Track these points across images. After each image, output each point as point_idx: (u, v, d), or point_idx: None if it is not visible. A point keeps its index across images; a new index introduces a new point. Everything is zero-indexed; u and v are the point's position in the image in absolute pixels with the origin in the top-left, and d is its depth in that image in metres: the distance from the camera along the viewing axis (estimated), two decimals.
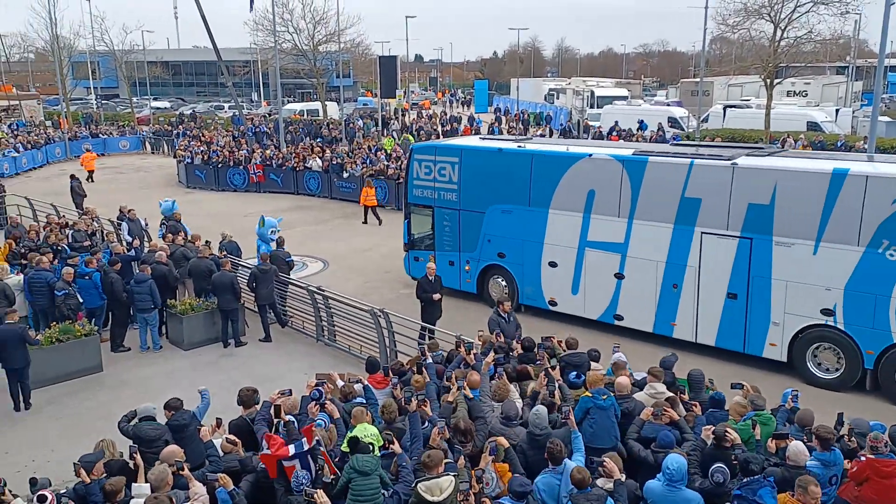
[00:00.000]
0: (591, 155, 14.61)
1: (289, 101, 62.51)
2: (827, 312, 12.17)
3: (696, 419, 8.11)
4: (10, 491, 6.90)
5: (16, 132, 44.44)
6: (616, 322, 14.60)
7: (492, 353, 9.52)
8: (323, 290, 14.48)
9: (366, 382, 9.17)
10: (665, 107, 47.17)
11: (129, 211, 19.50)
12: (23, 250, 16.30)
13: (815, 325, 12.35)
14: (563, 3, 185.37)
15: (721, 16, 34.87)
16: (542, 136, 39.72)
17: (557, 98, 59.35)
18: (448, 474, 6.62)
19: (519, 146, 16.07)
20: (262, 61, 57.53)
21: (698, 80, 42.59)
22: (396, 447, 7.15)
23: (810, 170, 12.40)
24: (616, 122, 40.22)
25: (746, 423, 7.85)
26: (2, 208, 24.83)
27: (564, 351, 10.07)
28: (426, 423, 7.68)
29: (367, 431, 7.55)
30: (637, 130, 37.82)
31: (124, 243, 16.99)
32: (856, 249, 11.71)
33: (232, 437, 7.78)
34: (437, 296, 13.93)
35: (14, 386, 11.70)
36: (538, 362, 9.60)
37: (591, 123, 43.49)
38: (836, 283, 11.97)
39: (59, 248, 16.38)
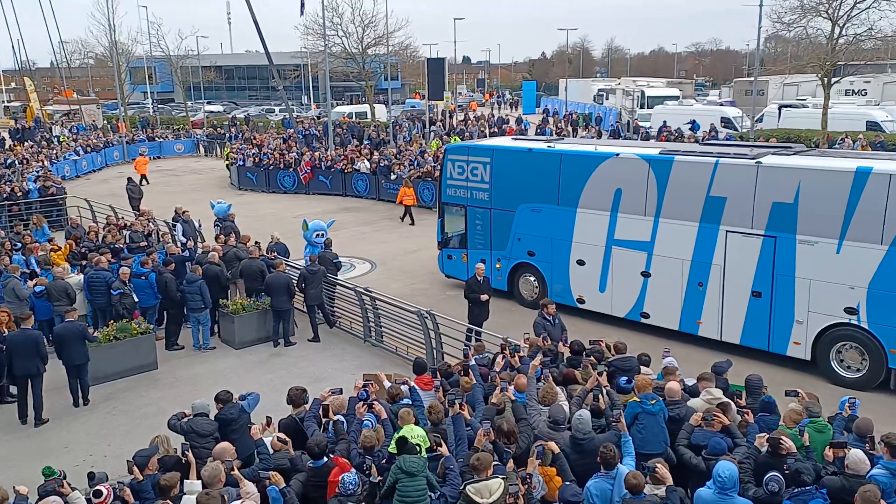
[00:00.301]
0: (618, 154, 14.83)
1: (338, 104, 63.24)
2: (850, 311, 12.12)
3: (749, 426, 7.94)
4: (69, 484, 7.12)
5: (76, 136, 45.91)
6: (642, 320, 14.69)
7: (539, 357, 9.47)
8: (370, 292, 14.60)
9: (412, 383, 9.21)
10: (718, 107, 46.27)
11: (184, 212, 19.99)
12: (83, 250, 16.85)
13: (839, 323, 12.31)
14: (613, 3, 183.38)
15: (776, 13, 34.09)
16: (592, 137, 39.30)
17: (607, 99, 58.71)
18: (497, 477, 6.61)
19: (549, 146, 16.35)
20: (312, 65, 58.28)
21: (752, 79, 41.63)
22: (444, 450, 7.17)
23: (834, 168, 12.42)
24: (664, 123, 39.60)
25: (795, 430, 7.66)
26: (63, 210, 25.71)
27: (612, 355, 9.95)
28: (469, 426, 7.69)
29: (413, 433, 7.56)
30: (689, 131, 37.19)
31: (178, 244, 17.41)
32: (879, 248, 11.65)
33: (282, 435, 7.90)
34: (485, 296, 13.94)
35: (73, 382, 12.06)
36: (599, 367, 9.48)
37: (641, 124, 42.93)
38: (860, 282, 11.91)
39: (117, 248, 16.87)
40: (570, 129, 47.81)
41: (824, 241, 12.16)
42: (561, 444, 7.45)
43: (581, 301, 15.60)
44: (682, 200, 13.76)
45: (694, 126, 38.11)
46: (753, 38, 35.36)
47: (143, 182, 33.49)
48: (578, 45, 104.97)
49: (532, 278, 16.46)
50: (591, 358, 9.67)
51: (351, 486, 6.66)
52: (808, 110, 38.48)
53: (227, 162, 36.34)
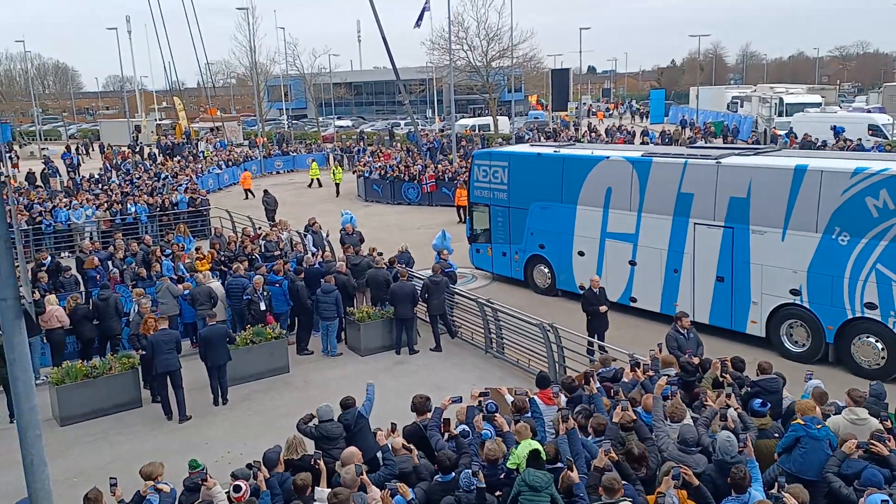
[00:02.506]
0: (608, 157, 16.81)
1: (461, 117, 64.04)
2: (794, 292, 13.74)
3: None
4: (210, 476, 7.59)
5: (218, 151, 48.95)
6: (631, 304, 16.45)
7: (664, 377, 9.18)
8: (492, 303, 14.67)
9: (532, 395, 9.14)
10: (865, 113, 43.16)
11: (314, 223, 20.86)
12: (222, 258, 17.95)
13: (787, 303, 13.89)
14: (749, 5, 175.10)
15: None
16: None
17: (741, 106, 56.02)
18: (627, 499, 6.46)
19: (555, 151, 18.45)
20: (437, 79, 59.41)
21: None
22: (575, 475, 6.97)
23: (776, 166, 14.14)
24: (790, 129, 37.66)
25: None
26: (206, 220, 27.51)
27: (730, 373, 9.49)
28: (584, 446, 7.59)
29: (532, 447, 7.50)
30: (834, 138, 34.95)
31: (310, 254, 18.18)
32: (815, 236, 13.26)
33: (404, 441, 8.07)
34: (603, 307, 13.92)
35: (214, 382, 12.85)
36: (726, 388, 9.09)
37: (779, 133, 40.75)
38: (801, 266, 13.52)
39: (253, 256, 17.84)
40: (707, 140, 45.53)
41: (771, 230, 13.83)
42: (693, 466, 7.18)
43: (582, 288, 17.00)
44: (659, 196, 15.59)
45: (836, 130, 35.85)
46: None
47: (247, 197, 35.00)
48: (711, 52, 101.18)
49: (545, 268, 18.54)
50: (727, 377, 9.24)
51: (475, 480, 6.74)
52: None
53: (336, 180, 36.63)
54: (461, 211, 27.26)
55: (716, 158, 14.93)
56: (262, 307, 14.71)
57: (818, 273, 13.31)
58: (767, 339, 14.25)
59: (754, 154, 15.75)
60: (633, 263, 16.22)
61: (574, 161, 17.47)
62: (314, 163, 40.80)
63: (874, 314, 12.77)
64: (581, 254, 17.34)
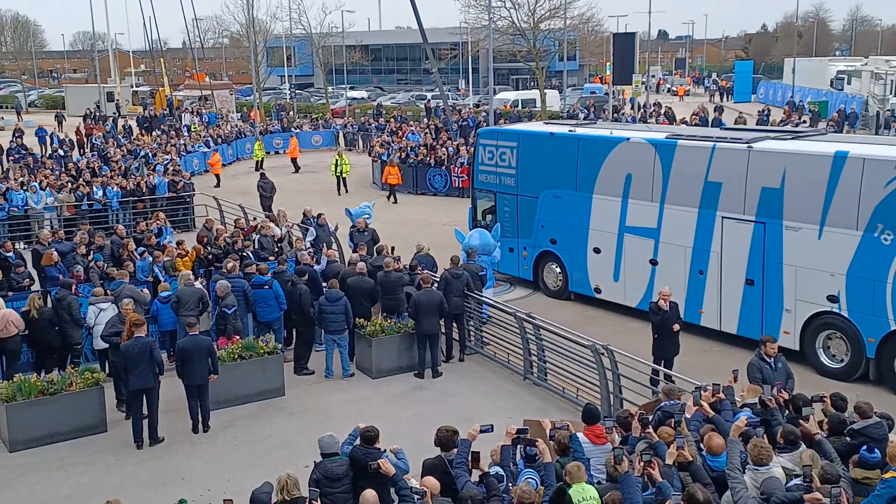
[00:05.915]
0: (629, 139, 17.26)
1: (502, 90, 63.94)
2: (832, 299, 14.06)
3: None
4: None
5: (207, 126, 49.09)
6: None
7: (743, 417, 9.06)
8: (533, 318, 14.65)
9: (574, 430, 9.10)
10: None
11: (319, 216, 20.78)
12: (209, 256, 17.94)
13: (823, 312, 14.25)
14: None
15: None
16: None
17: (848, 83, 55.40)
18: None
19: (569, 130, 19.12)
20: (473, 43, 59.36)
21: None
22: None
23: (813, 152, 14.63)
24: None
25: None
26: (190, 209, 27.54)
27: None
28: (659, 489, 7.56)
29: (585, 493, 7.49)
30: None
31: (306, 252, 18.00)
32: (855, 234, 13.62)
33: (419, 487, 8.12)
34: (676, 326, 13.80)
35: (193, 403, 12.82)
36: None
37: None
38: (839, 269, 13.86)
39: (245, 254, 17.84)
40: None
41: (807, 226, 14.27)
42: None
43: (598, 290, 18.21)
44: (683, 185, 16.10)
45: None
46: None
47: (216, 186, 34.61)
48: (812, 15, 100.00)
49: (556, 267, 19.12)
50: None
51: None
52: None
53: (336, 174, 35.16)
54: (394, 191, 31.44)
55: (747, 142, 15.48)
56: (211, 323, 14.76)
57: (858, 277, 13.70)
58: (802, 352, 14.63)
59: (793, 138, 16.35)
60: (654, 263, 16.77)
61: (590, 143, 18.12)
62: (259, 142, 41.10)
63: None
64: (597, 251, 17.91)
